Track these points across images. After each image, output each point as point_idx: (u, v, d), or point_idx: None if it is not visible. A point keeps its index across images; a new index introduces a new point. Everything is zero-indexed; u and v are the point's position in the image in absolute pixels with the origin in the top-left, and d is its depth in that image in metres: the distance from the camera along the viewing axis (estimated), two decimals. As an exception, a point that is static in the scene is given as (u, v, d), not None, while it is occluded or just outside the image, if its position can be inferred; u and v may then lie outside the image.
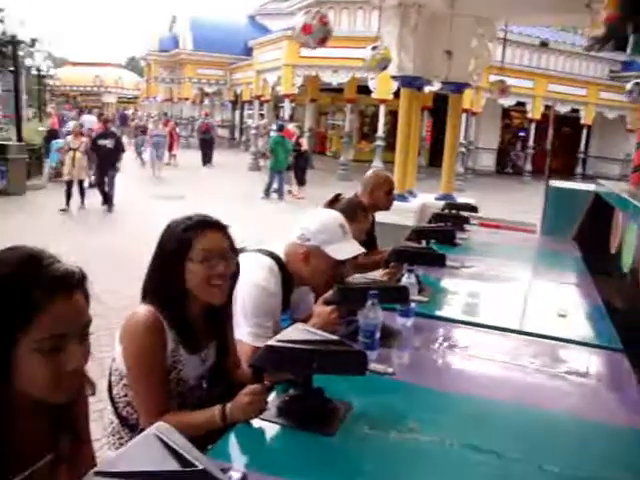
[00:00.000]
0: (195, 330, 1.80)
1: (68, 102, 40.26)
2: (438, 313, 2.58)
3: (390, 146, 16.15)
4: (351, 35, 14.64)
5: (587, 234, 4.58)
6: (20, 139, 13.00)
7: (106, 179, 10.98)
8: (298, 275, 2.25)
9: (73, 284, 1.06)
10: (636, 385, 2.04)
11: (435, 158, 18.00)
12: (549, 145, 6.21)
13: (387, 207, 3.59)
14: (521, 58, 19.33)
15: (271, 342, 1.55)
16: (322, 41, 5.51)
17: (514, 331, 2.45)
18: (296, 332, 1.61)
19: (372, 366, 1.59)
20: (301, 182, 13.85)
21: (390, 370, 1.64)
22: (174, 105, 29.10)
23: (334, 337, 1.60)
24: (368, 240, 3.22)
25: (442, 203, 5.06)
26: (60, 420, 1.21)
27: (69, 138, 11.29)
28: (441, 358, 2.18)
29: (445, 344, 2.27)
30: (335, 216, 2.28)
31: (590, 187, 5.01)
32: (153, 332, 1.67)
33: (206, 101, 30.85)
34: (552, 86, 19.70)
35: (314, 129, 21.61)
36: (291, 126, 15.29)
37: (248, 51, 24.35)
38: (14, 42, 13.78)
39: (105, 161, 10.85)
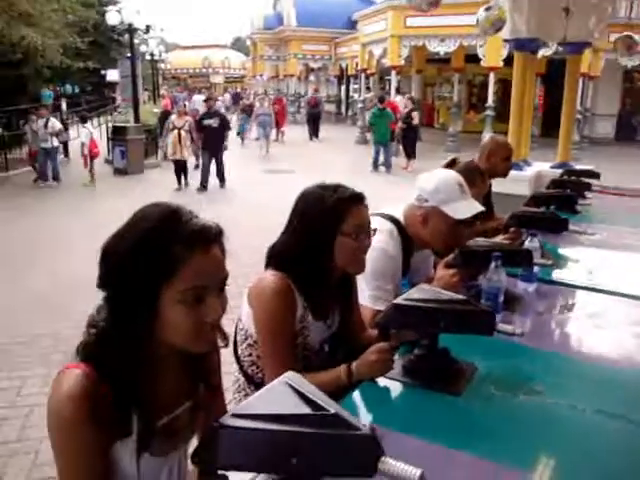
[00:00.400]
0: (324, 297, 1.81)
1: (179, 84, 41.89)
2: (561, 279, 2.47)
3: (500, 116, 15.63)
4: (459, 2, 14.08)
5: None
6: (137, 121, 13.72)
7: (214, 159, 11.00)
8: (417, 238, 2.23)
9: (211, 238, 1.10)
10: None
11: (548, 128, 17.12)
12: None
13: (504, 174, 3.46)
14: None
15: (397, 301, 1.55)
16: (434, 4, 5.35)
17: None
18: (421, 292, 1.61)
19: (500, 326, 1.55)
20: (410, 155, 13.65)
21: (519, 331, 1.59)
22: (280, 82, 29.53)
23: (461, 297, 1.57)
24: (485, 207, 3.14)
25: (558, 172, 4.82)
26: (197, 370, 1.29)
27: (173, 117, 11.38)
28: (565, 324, 2.11)
29: (569, 310, 2.19)
30: (452, 175, 2.22)
31: None
32: (283, 298, 1.69)
33: (311, 77, 31.02)
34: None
35: (421, 101, 21.16)
36: (399, 98, 15.07)
37: (352, 25, 24.16)
38: (131, 30, 14.51)
39: (211, 140, 10.78)
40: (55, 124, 11.69)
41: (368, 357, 1.57)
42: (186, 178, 11.16)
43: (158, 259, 1.05)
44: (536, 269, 2.29)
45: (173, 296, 1.06)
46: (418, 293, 1.60)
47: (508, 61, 15.15)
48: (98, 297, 1.14)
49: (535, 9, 5.97)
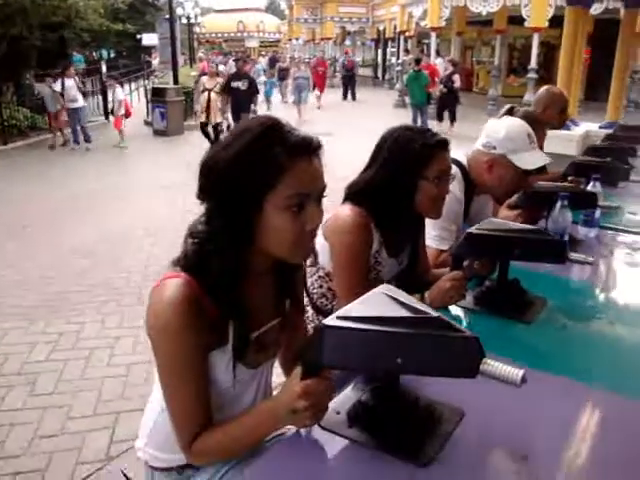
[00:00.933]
0: (399, 235, 1.85)
1: (213, 49, 41.74)
2: (622, 226, 2.47)
3: (542, 80, 15.27)
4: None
5: None
6: (176, 82, 13.79)
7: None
8: (480, 183, 2.24)
9: (312, 149, 1.14)
10: None
11: (592, 91, 16.68)
12: None
13: (560, 126, 3.43)
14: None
15: (471, 230, 1.58)
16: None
17: None
18: (493, 224, 1.64)
19: (572, 255, 1.58)
20: (452, 120, 13.42)
21: (590, 259, 1.62)
22: (316, 46, 29.23)
23: (532, 227, 1.60)
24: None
25: (606, 132, 4.71)
26: (285, 287, 1.34)
27: (204, 79, 10.92)
28: (628, 266, 2.11)
29: (633, 255, 2.19)
30: (522, 124, 2.21)
31: None
32: (362, 231, 1.74)
33: (347, 41, 30.63)
34: None
35: (461, 64, 20.74)
36: (439, 61, 14.78)
37: (391, -14, 23.72)
38: (169, -10, 14.48)
39: (239, 103, 10.29)
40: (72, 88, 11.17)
41: (442, 285, 1.61)
42: (217, 140, 10.84)
43: (264, 166, 1.08)
44: (597, 214, 2.29)
45: (277, 203, 1.10)
46: (489, 224, 1.63)
47: (553, 22, 14.79)
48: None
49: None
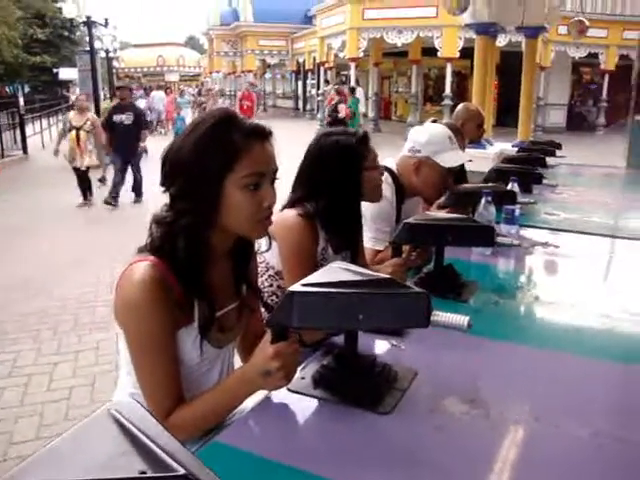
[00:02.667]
0: (343, 232, 1.97)
1: (133, 83, 41.29)
2: (537, 223, 2.72)
3: (456, 107, 16.06)
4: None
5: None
6: (98, 115, 13.60)
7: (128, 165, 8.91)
8: (409, 186, 2.43)
9: (265, 133, 1.28)
10: None
11: (501, 118, 17.65)
12: (634, 82, 6.07)
13: (478, 140, 3.71)
14: (593, 5, 18.40)
15: (408, 220, 1.75)
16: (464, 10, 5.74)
17: (619, 237, 2.59)
18: (427, 215, 1.82)
19: (500, 239, 1.76)
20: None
21: (516, 242, 1.81)
22: (237, 79, 29.51)
23: (463, 215, 1.78)
24: (460, 173, 3.36)
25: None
26: (240, 272, 1.45)
27: (71, 114, 8.95)
28: (548, 255, 2.34)
29: (549, 246, 2.42)
30: (443, 128, 2.44)
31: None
32: (307, 231, 1.85)
33: (268, 74, 31.10)
34: (628, 33, 18.76)
35: (379, 94, 21.51)
36: (359, 90, 15.12)
37: (308, 20, 24.41)
38: (89, 23, 14.38)
39: (123, 141, 8.53)
40: None
41: (384, 270, 1.76)
42: (90, 191, 8.90)
43: (222, 149, 1.21)
44: (517, 211, 2.52)
45: (236, 182, 1.21)
46: (424, 216, 1.81)
47: (463, 54, 15.69)
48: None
49: (495, -5, 6.28)
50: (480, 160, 6.37)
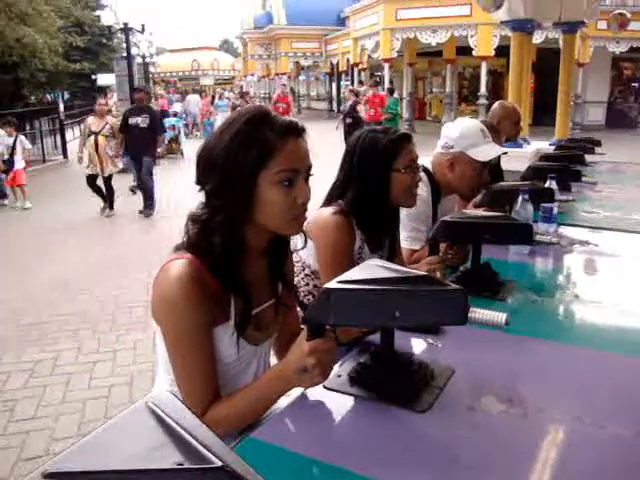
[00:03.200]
0: (379, 231, 1.97)
1: (168, 87, 41.93)
2: (577, 221, 2.67)
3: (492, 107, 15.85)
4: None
5: None
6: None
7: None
8: (445, 183, 2.40)
9: (299, 130, 1.28)
10: None
11: (538, 116, 17.38)
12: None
13: (514, 137, 3.65)
14: (636, -1, 17.99)
15: (445, 218, 1.73)
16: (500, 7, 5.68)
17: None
18: (464, 214, 1.79)
19: (538, 237, 1.73)
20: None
21: (555, 240, 1.78)
22: (271, 81, 29.70)
23: (500, 213, 1.76)
24: (496, 172, 3.32)
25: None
26: (276, 270, 1.45)
27: (90, 119, 8.61)
28: (587, 254, 2.29)
29: (588, 244, 2.37)
30: (474, 122, 2.40)
31: None
32: (344, 230, 1.85)
33: (302, 76, 31.21)
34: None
35: (413, 94, 21.39)
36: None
37: (341, 22, 24.45)
38: (126, 29, 14.63)
39: (138, 145, 8.18)
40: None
41: (421, 268, 1.74)
42: (111, 200, 8.57)
43: (256, 146, 1.21)
44: (555, 210, 2.47)
45: (270, 178, 1.22)
46: (461, 214, 1.78)
47: (499, 52, 15.51)
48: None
49: (531, -10, 6.17)
50: (517, 159, 6.28)
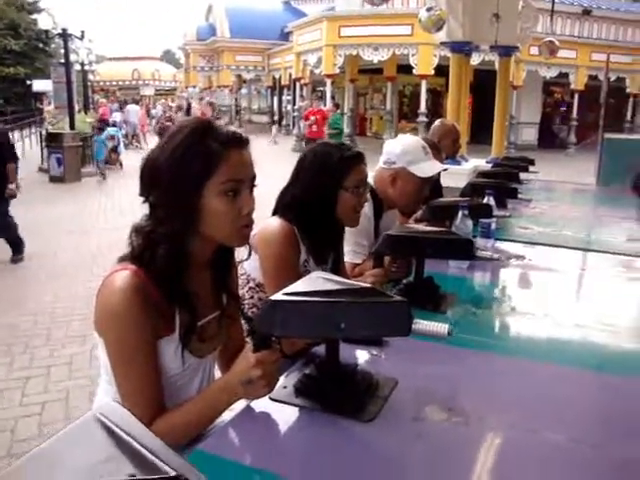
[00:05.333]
0: (324, 244, 1.99)
1: (108, 96, 41.08)
2: (513, 237, 2.78)
3: (431, 124, 16.27)
4: (391, 12, 14.68)
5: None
6: (73, 127, 13.47)
7: None
8: (386, 198, 2.45)
9: (243, 141, 1.29)
10: None
11: (475, 135, 17.92)
12: (602, 100, 6.23)
13: (453, 155, 3.76)
14: (563, 28, 18.96)
15: (390, 232, 1.77)
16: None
17: (591, 250, 2.65)
18: (408, 228, 1.84)
19: (479, 253, 1.79)
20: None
21: (496, 256, 1.84)
22: (213, 93, 29.50)
23: (443, 229, 1.81)
24: (436, 188, 3.41)
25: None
26: (220, 282, 1.45)
27: None
28: (523, 269, 2.38)
29: (525, 259, 2.46)
30: (416, 139, 2.48)
31: (646, 137, 5.13)
32: (289, 243, 1.85)
33: (244, 89, 31.17)
34: (596, 55, 19.32)
35: (355, 110, 21.68)
36: (330, 106, 15.24)
37: (284, 36, 24.60)
38: (65, 34, 14.24)
39: None
40: None
41: (365, 280, 1.78)
42: None
43: (200, 157, 1.22)
44: (493, 225, 2.56)
45: (215, 189, 1.22)
46: (404, 228, 1.83)
47: (438, 71, 15.96)
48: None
49: (469, 14, 6.42)
50: (455, 176, 6.47)
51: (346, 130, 19.58)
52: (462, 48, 6.70)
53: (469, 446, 1.10)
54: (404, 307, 1.12)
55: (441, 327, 1.12)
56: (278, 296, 1.13)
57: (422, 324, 1.12)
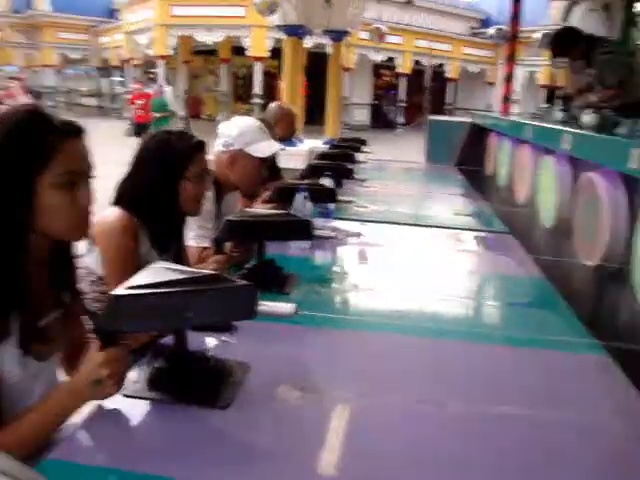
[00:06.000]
0: (166, 234, 1.94)
1: None
2: (351, 215, 2.91)
3: (266, 106, 16.41)
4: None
5: (466, 160, 5.12)
6: None
7: None
8: (226, 181, 2.44)
9: (78, 130, 1.23)
10: (520, 250, 2.55)
11: (309, 117, 18.38)
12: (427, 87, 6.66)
13: (290, 137, 3.84)
14: (390, 15, 19.97)
15: (230, 217, 1.78)
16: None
17: (423, 225, 2.86)
18: (248, 212, 1.86)
19: (318, 232, 1.86)
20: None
21: (333, 234, 1.92)
22: (35, 74, 27.22)
23: (282, 211, 1.86)
24: (272, 170, 3.46)
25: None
26: (60, 280, 1.36)
27: None
28: (362, 245, 2.51)
29: (363, 236, 2.60)
30: (252, 119, 2.52)
31: (466, 119, 5.58)
32: (129, 234, 1.78)
33: (71, 69, 29.12)
34: (420, 42, 20.63)
35: (189, 92, 21.20)
36: (169, 88, 14.76)
37: (110, 13, 23.29)
38: None
39: None
40: None
41: (208, 267, 1.77)
42: None
43: (32, 148, 1.14)
44: (332, 207, 2.67)
45: (49, 182, 1.15)
46: (244, 213, 1.85)
47: (274, 54, 16.06)
48: None
49: (302, -1, 6.56)
50: (294, 157, 6.61)
51: (180, 113, 19.11)
52: (296, 32, 6.81)
53: (325, 421, 1.15)
54: (249, 290, 1.14)
55: (287, 307, 1.15)
56: (121, 290, 1.09)
57: (268, 306, 1.15)
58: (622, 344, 1.66)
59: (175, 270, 1.18)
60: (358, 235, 2.54)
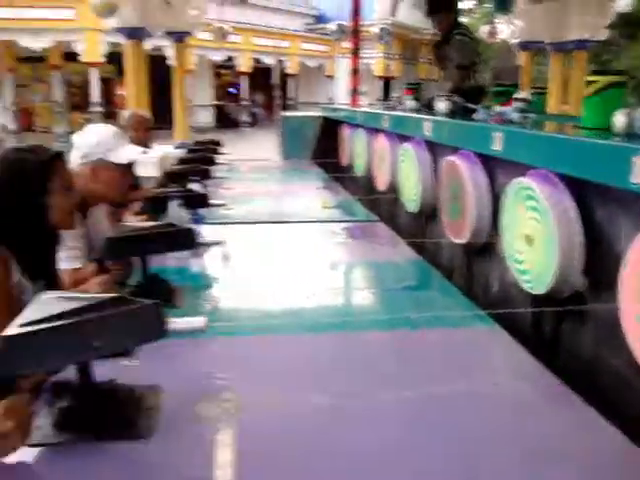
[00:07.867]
0: (38, 259, 1.77)
1: None
2: (223, 220, 2.88)
3: (107, 114, 15.68)
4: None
5: (322, 154, 5.23)
6: None
7: None
8: (90, 195, 2.28)
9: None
10: (393, 236, 2.65)
11: (155, 121, 17.83)
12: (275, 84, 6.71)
13: (146, 144, 3.71)
14: (227, 15, 19.80)
15: (109, 235, 1.68)
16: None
17: (296, 221, 2.89)
18: (126, 228, 1.77)
19: (203, 239, 1.82)
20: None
21: (219, 240, 1.89)
22: None
23: (163, 222, 1.79)
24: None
25: (182, 151, 5.22)
26: None
27: None
28: (238, 249, 2.49)
29: (236, 240, 2.57)
30: (106, 126, 2.38)
31: (317, 113, 5.69)
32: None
33: None
34: (257, 40, 20.73)
35: (18, 104, 19.63)
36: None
37: None
38: None
39: None
40: None
41: (93, 290, 1.66)
42: None
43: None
44: (202, 212, 2.61)
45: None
46: (124, 228, 1.76)
47: (110, 59, 15.27)
48: None
49: (140, 0, 6.31)
50: (146, 166, 6.37)
51: (10, 127, 17.68)
52: (137, 34, 6.53)
53: (247, 427, 1.15)
54: (156, 310, 1.09)
55: (198, 321, 1.11)
56: (12, 330, 0.99)
57: (178, 322, 1.10)
58: (503, 310, 1.80)
59: (69, 299, 1.09)
60: (217, 242, 2.48)
